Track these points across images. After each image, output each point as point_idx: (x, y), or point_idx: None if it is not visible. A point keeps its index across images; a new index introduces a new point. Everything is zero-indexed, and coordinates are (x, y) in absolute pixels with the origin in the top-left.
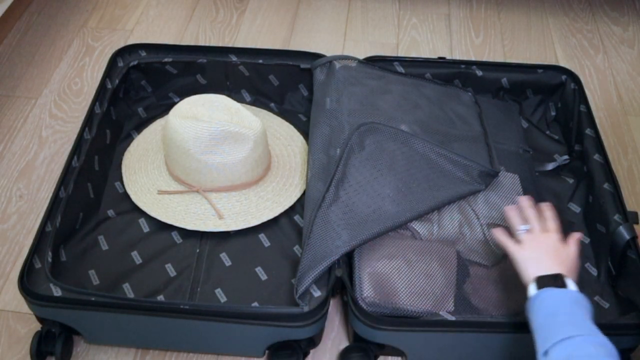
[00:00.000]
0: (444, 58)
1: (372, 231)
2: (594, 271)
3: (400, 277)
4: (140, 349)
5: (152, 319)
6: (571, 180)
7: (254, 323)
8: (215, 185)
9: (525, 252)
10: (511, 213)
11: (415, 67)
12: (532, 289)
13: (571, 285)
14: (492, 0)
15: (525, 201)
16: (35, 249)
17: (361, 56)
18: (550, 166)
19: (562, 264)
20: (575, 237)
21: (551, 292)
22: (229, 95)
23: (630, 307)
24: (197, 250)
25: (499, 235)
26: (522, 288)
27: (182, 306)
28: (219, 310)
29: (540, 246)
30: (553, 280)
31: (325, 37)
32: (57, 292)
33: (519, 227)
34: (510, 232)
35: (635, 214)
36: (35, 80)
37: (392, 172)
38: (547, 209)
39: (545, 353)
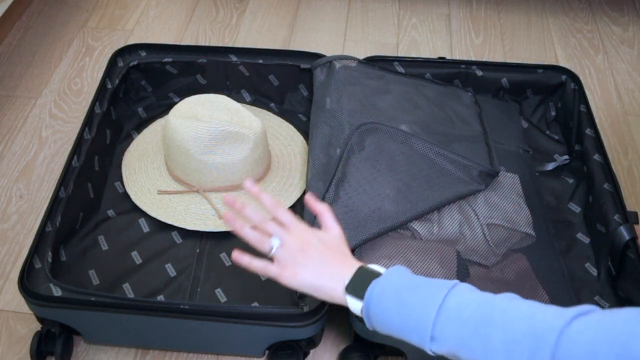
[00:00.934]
0: (444, 58)
1: (372, 231)
2: (594, 271)
3: None
4: (140, 349)
5: (152, 319)
6: (571, 180)
7: (254, 323)
8: (215, 185)
9: (302, 272)
10: (248, 235)
11: (415, 67)
12: (354, 303)
13: (376, 267)
14: (492, 0)
15: (244, 209)
16: (36, 249)
17: (361, 56)
18: (550, 166)
19: (341, 253)
20: (317, 208)
21: (375, 288)
22: (229, 95)
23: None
24: (197, 250)
25: (257, 266)
26: (522, 288)
27: (182, 306)
28: (219, 310)
29: (311, 254)
30: (363, 278)
31: (325, 37)
32: (57, 292)
33: (269, 249)
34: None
35: (635, 214)
36: (35, 80)
37: (392, 172)
38: (261, 196)
39: (432, 338)
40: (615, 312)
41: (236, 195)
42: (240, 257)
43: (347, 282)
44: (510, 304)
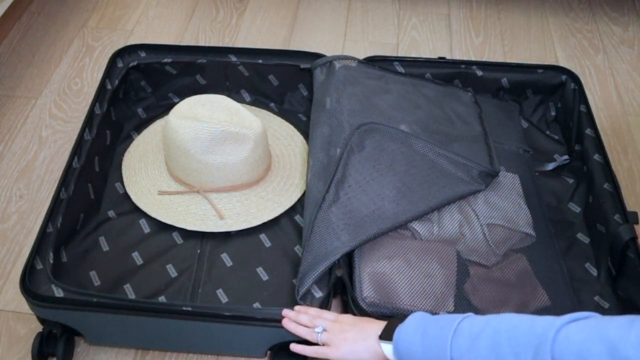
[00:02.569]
0: (444, 58)
1: (372, 231)
2: (594, 271)
3: (400, 277)
4: (140, 349)
5: (154, 320)
6: (571, 180)
7: (256, 324)
8: (215, 186)
9: (344, 344)
10: (299, 330)
11: (415, 67)
12: (387, 347)
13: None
14: (492, 0)
15: (293, 314)
16: (37, 249)
17: (361, 56)
18: (550, 166)
19: (373, 322)
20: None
21: (401, 329)
22: (228, 95)
23: (630, 307)
24: (198, 251)
25: (309, 351)
26: (522, 288)
27: (183, 307)
28: (221, 311)
29: (347, 329)
30: (391, 325)
31: (325, 37)
32: (58, 293)
33: (315, 336)
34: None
35: (635, 214)
36: (35, 80)
37: (392, 172)
38: (308, 310)
39: (451, 359)
40: (612, 318)
41: (236, 196)
42: (296, 347)
43: (379, 333)
44: (514, 315)
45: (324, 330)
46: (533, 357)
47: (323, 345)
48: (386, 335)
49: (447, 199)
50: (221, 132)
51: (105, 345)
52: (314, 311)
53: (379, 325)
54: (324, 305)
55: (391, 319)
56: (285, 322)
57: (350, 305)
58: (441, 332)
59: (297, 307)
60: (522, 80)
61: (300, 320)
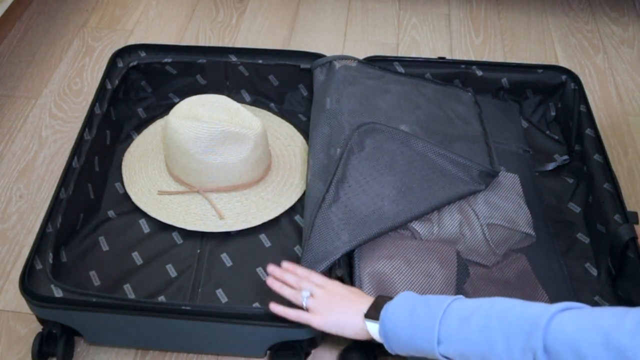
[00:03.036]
0: (444, 58)
1: (372, 231)
2: (594, 271)
3: (400, 277)
4: (140, 349)
5: (154, 320)
6: (571, 180)
7: (255, 324)
8: (215, 186)
9: (330, 314)
10: (284, 291)
11: (415, 67)
12: (372, 326)
13: (390, 296)
14: (492, 0)
15: (279, 272)
16: (36, 250)
17: (361, 56)
18: (550, 166)
19: (363, 296)
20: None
21: (388, 307)
22: (228, 96)
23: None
24: (198, 251)
25: (291, 314)
26: (522, 288)
27: (183, 307)
28: (221, 311)
29: (335, 299)
30: (378, 303)
31: (325, 37)
32: (58, 293)
33: (301, 300)
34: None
35: (635, 214)
36: (35, 80)
37: (392, 172)
38: (295, 268)
39: (439, 341)
40: (606, 308)
41: (236, 196)
42: (276, 307)
43: (365, 310)
44: (505, 299)
45: (311, 295)
46: (524, 342)
47: (307, 310)
48: (372, 313)
49: (447, 199)
50: (221, 132)
51: (105, 345)
52: (302, 271)
53: (367, 302)
54: None
55: (379, 297)
56: (270, 282)
57: None
58: (430, 312)
59: (284, 264)
60: (522, 80)
61: (287, 280)
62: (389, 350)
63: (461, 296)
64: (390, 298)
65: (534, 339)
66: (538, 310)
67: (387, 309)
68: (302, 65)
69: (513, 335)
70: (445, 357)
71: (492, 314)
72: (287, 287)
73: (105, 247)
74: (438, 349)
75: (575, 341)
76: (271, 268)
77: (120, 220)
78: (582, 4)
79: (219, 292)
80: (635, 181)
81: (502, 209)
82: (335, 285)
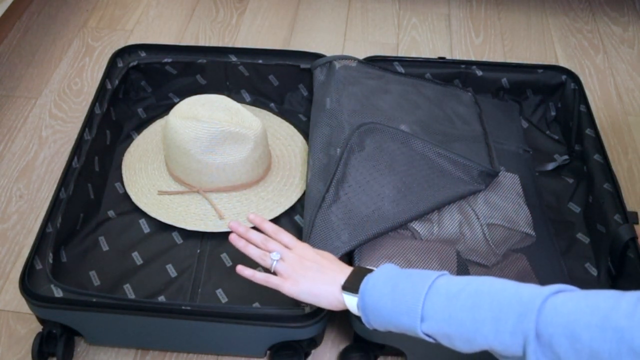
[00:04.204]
0: (444, 58)
1: (372, 231)
2: (594, 271)
3: None
4: (140, 349)
5: (154, 320)
6: (571, 180)
7: (255, 324)
8: (215, 186)
9: (302, 281)
10: (249, 250)
11: (415, 67)
12: (350, 299)
13: (370, 267)
14: (492, 0)
15: (243, 229)
16: (36, 250)
17: (361, 56)
18: (550, 166)
19: (337, 263)
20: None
21: (369, 280)
22: (228, 96)
23: None
24: (198, 251)
25: (260, 278)
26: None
27: (183, 307)
28: (221, 310)
29: (309, 265)
30: (357, 275)
31: (325, 37)
32: (58, 293)
33: (270, 262)
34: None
35: (635, 214)
36: (35, 80)
37: (392, 172)
38: (263, 222)
39: (422, 318)
40: (599, 290)
41: (236, 196)
42: (243, 270)
43: (343, 281)
44: (496, 279)
45: (281, 258)
46: (514, 324)
47: (274, 273)
48: (350, 285)
49: (447, 199)
50: (221, 132)
51: (105, 345)
52: (270, 226)
53: (343, 271)
54: None
55: (357, 267)
56: (234, 239)
57: None
58: (414, 287)
59: (250, 216)
60: (522, 80)
61: (252, 238)
62: (367, 325)
63: (447, 272)
64: (370, 270)
65: (526, 321)
66: (531, 292)
67: (368, 282)
68: (302, 65)
69: (503, 317)
70: (428, 336)
71: (481, 292)
72: (252, 246)
73: (105, 247)
74: (421, 326)
75: (570, 323)
76: (234, 223)
77: (120, 220)
78: (582, 4)
79: (219, 292)
80: (635, 181)
81: (502, 209)
82: (305, 248)
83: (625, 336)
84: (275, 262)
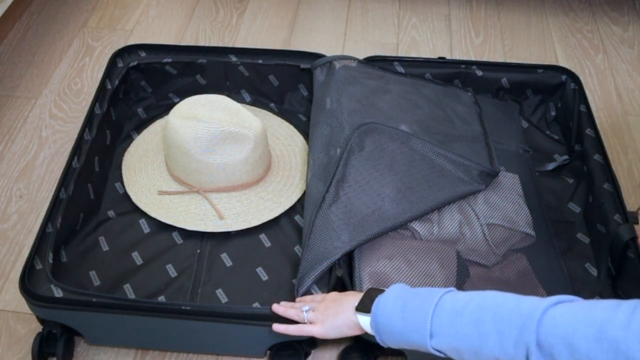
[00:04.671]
0: (444, 58)
1: (372, 231)
2: (594, 271)
3: (400, 277)
4: (140, 349)
5: (154, 320)
6: (571, 180)
7: (255, 324)
8: (215, 186)
9: (327, 320)
10: (287, 312)
11: (415, 67)
12: (364, 319)
13: (381, 288)
14: (492, 0)
15: (290, 312)
16: (36, 250)
17: (361, 56)
18: (550, 166)
19: (354, 294)
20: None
21: (380, 300)
22: (228, 96)
23: None
24: (198, 251)
25: (293, 330)
26: (522, 288)
27: (183, 307)
28: (221, 311)
29: (330, 305)
30: (369, 296)
31: (325, 37)
32: (58, 293)
33: (302, 315)
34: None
35: (635, 214)
36: (35, 80)
37: (392, 172)
38: (298, 302)
39: (431, 335)
40: (598, 301)
41: (236, 196)
42: (278, 327)
43: (356, 304)
44: (498, 293)
45: (311, 309)
46: (517, 336)
47: (309, 324)
48: (363, 306)
49: (447, 199)
50: (221, 132)
51: (105, 345)
52: (303, 297)
53: (357, 297)
54: None
55: (370, 289)
56: (275, 307)
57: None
58: (422, 305)
59: (284, 303)
60: (522, 80)
61: (290, 315)
62: (381, 343)
63: (453, 288)
64: (382, 291)
65: (527, 333)
66: (531, 305)
67: (379, 302)
68: (302, 65)
69: (506, 330)
70: (438, 351)
71: (484, 307)
72: (290, 309)
73: (105, 247)
74: (430, 342)
75: (568, 334)
76: (275, 306)
77: (120, 220)
78: (582, 4)
79: (219, 292)
80: (635, 181)
81: (502, 209)
82: (331, 295)
83: (620, 347)
84: (305, 313)
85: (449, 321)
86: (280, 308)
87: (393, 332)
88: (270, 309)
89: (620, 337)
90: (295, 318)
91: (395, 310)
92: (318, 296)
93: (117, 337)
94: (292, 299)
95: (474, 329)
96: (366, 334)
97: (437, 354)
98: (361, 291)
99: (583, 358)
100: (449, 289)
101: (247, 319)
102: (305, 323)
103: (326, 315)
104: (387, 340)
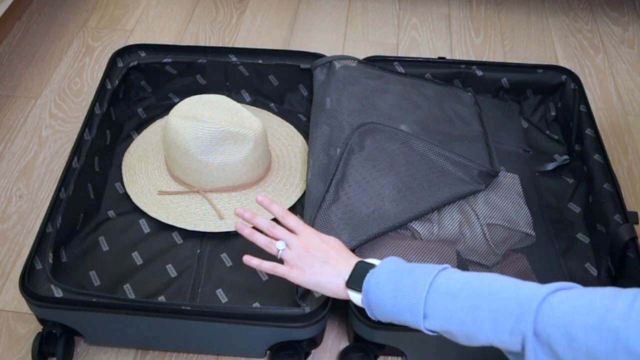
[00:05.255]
0: (444, 58)
1: (372, 231)
2: (594, 271)
3: None
4: (140, 349)
5: (154, 320)
6: (571, 180)
7: (255, 324)
8: (215, 186)
9: (307, 271)
10: (256, 237)
11: (415, 67)
12: (354, 295)
13: (372, 260)
14: (492, 0)
15: (254, 218)
16: (36, 250)
17: (361, 56)
18: (550, 166)
19: (342, 251)
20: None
21: (371, 277)
22: (228, 96)
23: None
24: (198, 251)
25: (267, 267)
26: None
27: (183, 307)
28: (221, 311)
29: (315, 254)
30: (360, 271)
31: (325, 37)
32: (58, 293)
33: (276, 250)
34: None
35: (635, 214)
36: (35, 80)
37: (392, 172)
38: (272, 206)
39: (424, 316)
40: (596, 289)
41: (236, 196)
42: (250, 260)
43: (347, 277)
44: (496, 277)
45: (287, 246)
46: (513, 325)
47: (282, 262)
48: (354, 283)
49: (447, 199)
50: (221, 132)
51: (105, 345)
52: (277, 209)
53: (349, 264)
54: (324, 305)
55: (360, 263)
56: (240, 227)
57: (350, 305)
58: (415, 285)
59: (259, 198)
60: (522, 80)
61: (259, 224)
62: (372, 318)
63: (447, 265)
64: (372, 265)
65: (524, 322)
66: (529, 292)
67: (370, 280)
68: (302, 65)
69: (502, 317)
70: (431, 331)
71: (481, 292)
72: (258, 234)
73: (105, 247)
74: (424, 323)
75: (567, 324)
76: (240, 210)
77: (120, 220)
78: (582, 4)
79: (219, 292)
80: (635, 181)
81: (502, 209)
82: (312, 235)
83: (620, 337)
84: (281, 251)
85: (443, 304)
86: (247, 229)
87: (385, 310)
88: (235, 225)
89: (620, 327)
90: (265, 249)
91: (387, 288)
92: (291, 220)
93: (117, 337)
94: (292, 298)
95: (469, 314)
96: (362, 330)
97: (431, 334)
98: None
99: (581, 347)
100: (444, 266)
101: (247, 319)
102: (277, 259)
103: (308, 265)
104: (378, 315)
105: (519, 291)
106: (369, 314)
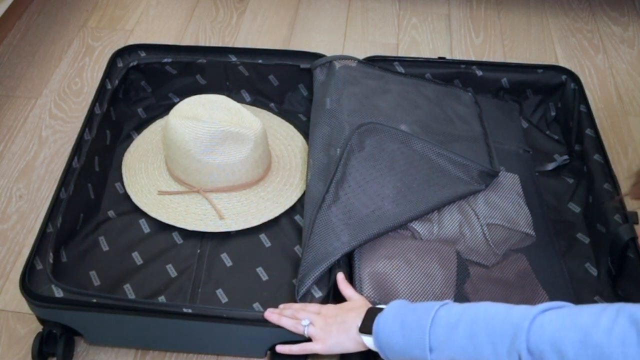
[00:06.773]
0: (444, 58)
1: (372, 231)
2: (594, 271)
3: (400, 277)
4: (140, 349)
5: (154, 320)
6: (571, 180)
7: (255, 324)
8: (215, 186)
9: (328, 337)
10: (282, 321)
11: (416, 67)
12: (368, 339)
13: (381, 306)
14: (492, 0)
15: (277, 312)
16: (37, 250)
17: (361, 56)
18: (550, 166)
19: (355, 309)
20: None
21: (379, 320)
22: (228, 96)
23: None
24: (198, 251)
25: (296, 349)
26: (522, 288)
27: (183, 308)
28: (221, 315)
29: (331, 321)
30: (370, 316)
31: (325, 37)
32: (58, 293)
33: (302, 327)
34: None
35: (635, 214)
36: (35, 80)
37: (392, 172)
38: (291, 304)
39: (430, 349)
40: (584, 306)
41: (236, 196)
42: (271, 315)
43: (359, 324)
44: (490, 305)
45: (310, 324)
46: (509, 345)
47: (309, 339)
48: (365, 327)
49: (447, 199)
50: (221, 132)
51: (105, 345)
52: (297, 305)
53: (359, 316)
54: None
55: (369, 309)
56: (268, 314)
57: None
58: (419, 321)
59: (280, 305)
60: (522, 80)
61: (283, 313)
62: (385, 359)
63: (448, 301)
64: (380, 309)
65: (518, 341)
66: (520, 314)
67: (379, 322)
68: (302, 65)
69: (498, 340)
70: None
71: (477, 319)
72: (285, 318)
73: (105, 247)
74: (430, 356)
75: (556, 340)
76: (267, 313)
77: (120, 220)
78: (582, 4)
79: (219, 292)
80: None
81: (502, 209)
82: (329, 308)
83: (605, 351)
84: (306, 328)
85: (445, 335)
86: (274, 316)
87: (395, 349)
88: (263, 315)
89: (604, 341)
90: (292, 329)
91: (394, 328)
92: (311, 306)
93: (117, 337)
94: (292, 299)
95: (469, 342)
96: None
97: None
98: (361, 289)
99: None
100: (444, 302)
101: (247, 319)
102: (304, 337)
103: (328, 333)
104: (390, 356)
105: (512, 313)
106: (382, 355)
